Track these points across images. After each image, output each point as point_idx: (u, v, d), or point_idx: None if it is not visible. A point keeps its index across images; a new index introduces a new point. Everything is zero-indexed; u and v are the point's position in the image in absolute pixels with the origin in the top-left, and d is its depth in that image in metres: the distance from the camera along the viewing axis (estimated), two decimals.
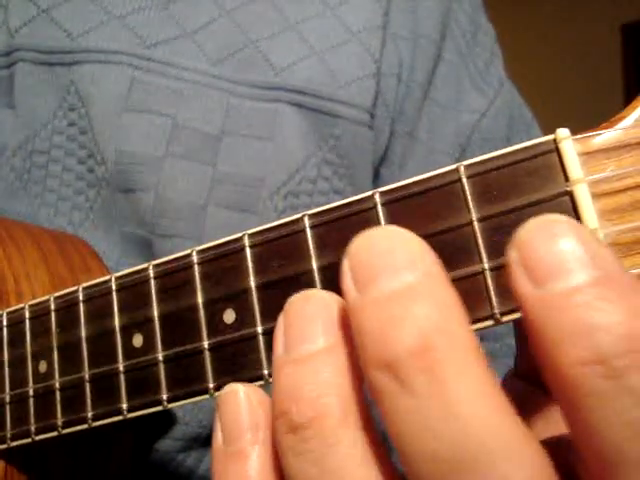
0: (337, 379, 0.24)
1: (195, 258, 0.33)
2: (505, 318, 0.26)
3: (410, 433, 0.22)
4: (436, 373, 0.21)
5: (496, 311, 0.26)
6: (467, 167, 0.28)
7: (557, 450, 0.24)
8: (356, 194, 0.30)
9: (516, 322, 0.28)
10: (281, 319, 0.26)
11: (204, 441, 0.56)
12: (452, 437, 0.21)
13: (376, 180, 0.65)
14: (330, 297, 0.26)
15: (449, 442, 0.21)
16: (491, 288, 0.27)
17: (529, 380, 0.35)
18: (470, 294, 0.27)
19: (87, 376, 0.35)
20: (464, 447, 0.21)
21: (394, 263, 0.23)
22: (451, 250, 0.27)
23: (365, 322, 0.23)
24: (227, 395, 0.28)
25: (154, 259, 0.54)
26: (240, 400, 0.27)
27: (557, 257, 0.21)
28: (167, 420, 0.54)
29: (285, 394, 0.24)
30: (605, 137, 0.26)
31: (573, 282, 0.20)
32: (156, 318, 0.33)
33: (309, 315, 0.25)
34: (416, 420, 0.21)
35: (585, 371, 0.19)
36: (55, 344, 0.37)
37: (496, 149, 0.28)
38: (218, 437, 0.27)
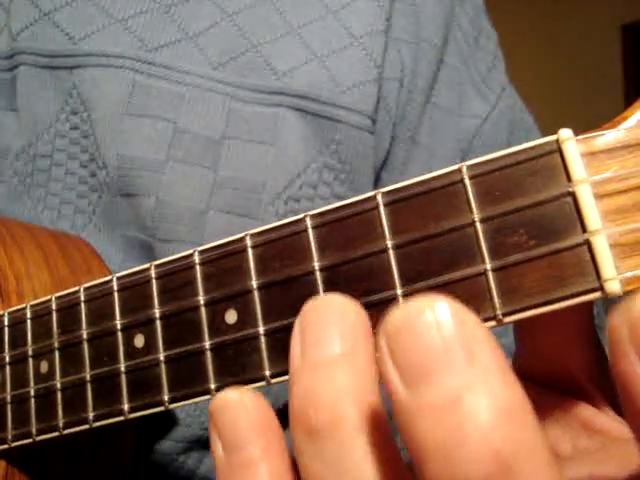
0: (354, 385, 0.24)
1: (197, 258, 0.33)
2: (507, 319, 0.26)
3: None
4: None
5: (498, 312, 0.26)
6: (469, 167, 0.28)
7: None
8: None
9: (517, 325, 0.28)
10: (297, 324, 0.26)
11: (205, 443, 0.56)
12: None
13: (377, 185, 0.64)
14: (346, 302, 0.26)
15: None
16: (493, 289, 0.27)
17: (527, 378, 0.35)
18: (472, 295, 0.27)
19: (88, 377, 0.35)
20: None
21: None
22: (453, 251, 0.27)
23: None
24: (220, 403, 0.27)
25: None
26: (235, 406, 0.27)
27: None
28: (168, 421, 0.54)
29: (303, 398, 0.24)
30: (608, 137, 0.26)
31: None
32: (158, 318, 0.33)
33: (325, 321, 0.25)
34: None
35: None
36: (56, 344, 0.37)
37: None
38: (218, 447, 0.27)
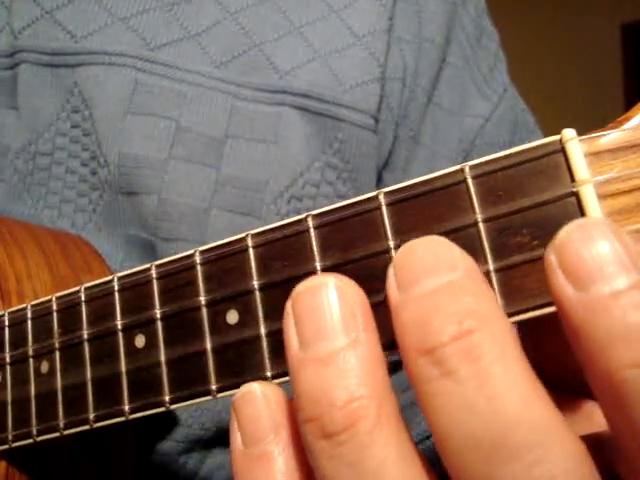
0: (365, 378, 0.24)
1: (198, 258, 0.32)
2: (511, 319, 0.26)
3: (449, 417, 0.22)
4: (476, 357, 0.22)
5: None
6: (472, 167, 0.27)
7: (596, 450, 0.24)
8: None
9: (522, 323, 0.27)
10: (290, 310, 0.26)
11: (206, 443, 0.56)
12: (491, 418, 0.21)
13: (379, 184, 0.64)
14: (342, 284, 0.26)
15: (488, 423, 0.21)
16: (496, 289, 0.26)
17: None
18: None
19: (89, 377, 0.35)
20: (502, 429, 0.21)
21: (435, 265, 0.24)
22: None
23: (406, 315, 0.23)
24: (244, 395, 0.28)
25: None
26: (258, 400, 0.27)
27: (598, 260, 0.21)
28: (169, 422, 0.54)
29: (313, 398, 0.24)
30: (611, 137, 0.26)
31: (617, 285, 0.20)
32: (159, 319, 0.33)
33: (323, 307, 0.25)
34: (456, 402, 0.22)
35: (636, 372, 0.19)
36: (57, 345, 0.37)
37: None
38: (237, 439, 0.27)
